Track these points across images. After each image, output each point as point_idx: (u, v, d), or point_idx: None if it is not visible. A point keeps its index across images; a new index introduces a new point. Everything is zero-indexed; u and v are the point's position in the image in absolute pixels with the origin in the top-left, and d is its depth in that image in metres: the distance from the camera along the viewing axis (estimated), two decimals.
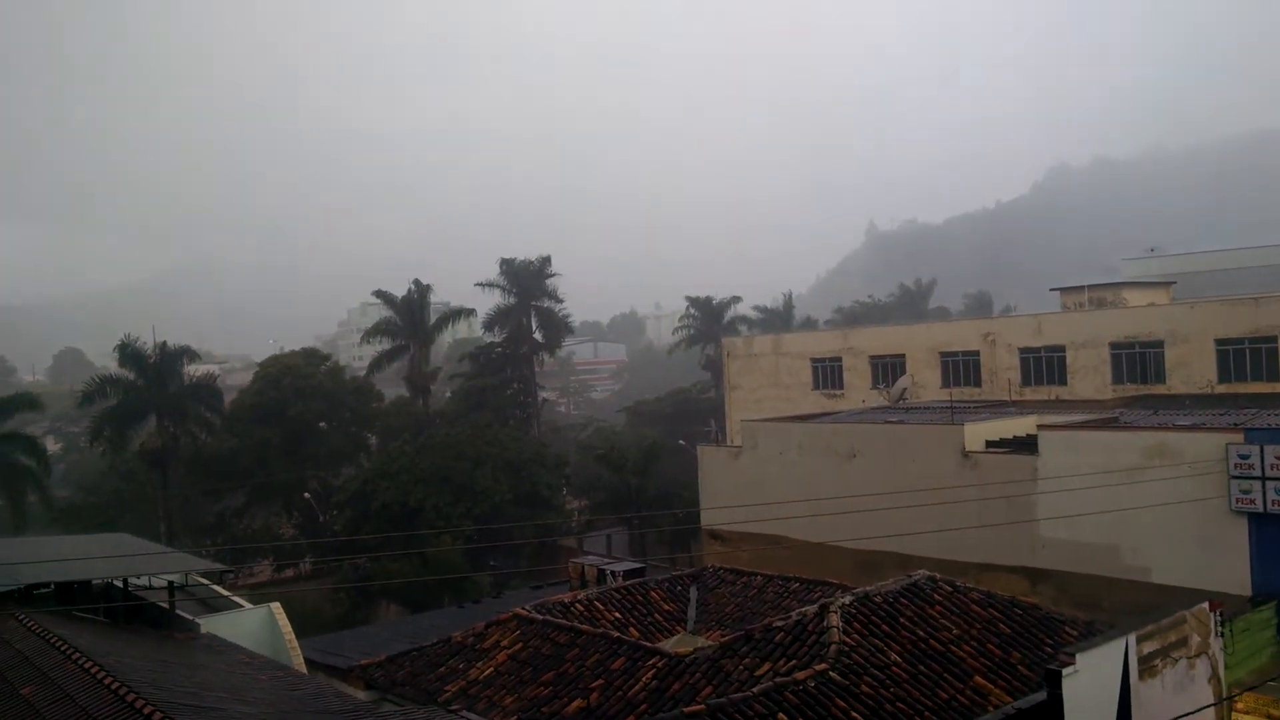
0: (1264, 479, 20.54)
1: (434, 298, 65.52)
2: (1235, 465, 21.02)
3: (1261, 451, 20.62)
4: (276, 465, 51.78)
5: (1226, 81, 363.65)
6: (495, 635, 18.66)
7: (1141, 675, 14.95)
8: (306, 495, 51.45)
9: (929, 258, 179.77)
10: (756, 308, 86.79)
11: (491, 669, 17.56)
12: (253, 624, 18.62)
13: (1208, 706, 15.95)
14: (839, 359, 46.23)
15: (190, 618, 18.42)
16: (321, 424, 55.42)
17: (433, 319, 63.42)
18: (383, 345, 62.59)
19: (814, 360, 47.43)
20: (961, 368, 41.33)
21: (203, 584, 21.12)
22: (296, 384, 52.93)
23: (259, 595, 25.30)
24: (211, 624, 18.12)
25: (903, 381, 40.26)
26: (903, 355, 43.46)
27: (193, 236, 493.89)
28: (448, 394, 69.32)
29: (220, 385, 61.26)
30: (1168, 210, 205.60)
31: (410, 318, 60.55)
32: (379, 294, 62.64)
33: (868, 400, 41.74)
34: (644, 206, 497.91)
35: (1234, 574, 20.91)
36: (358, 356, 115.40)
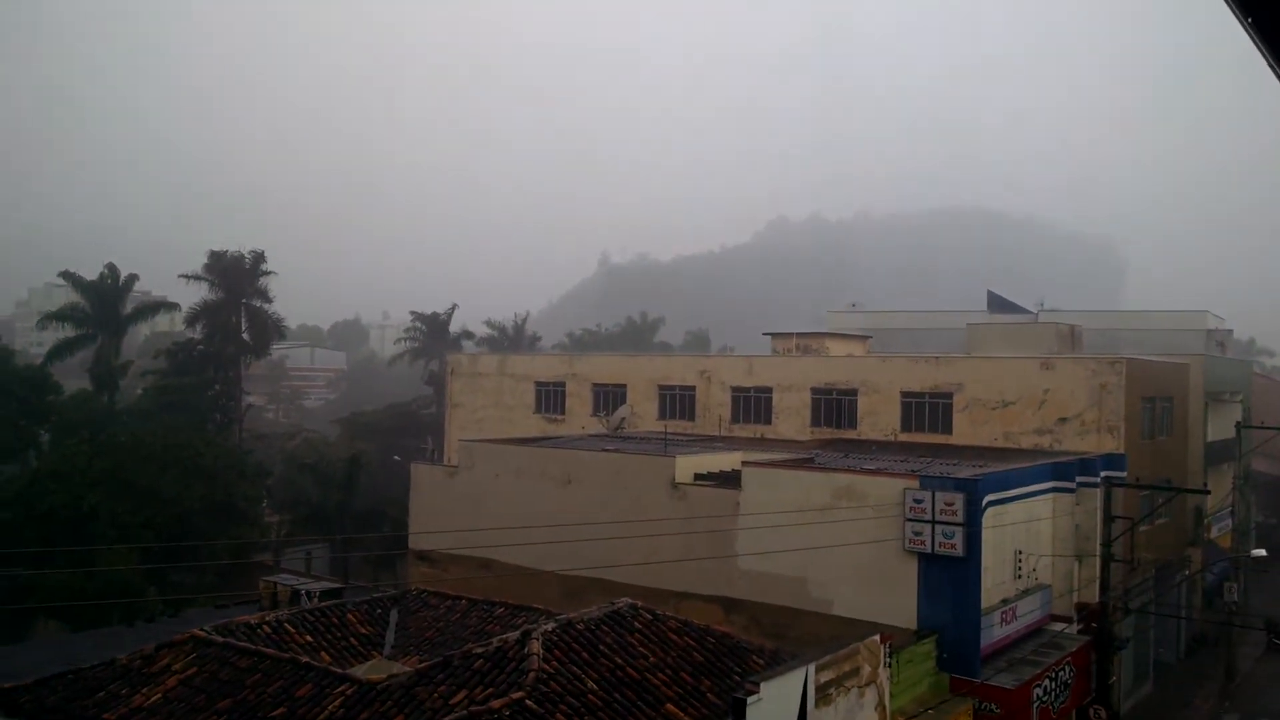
0: (934, 522, 22.54)
1: (138, 287, 60.21)
2: (910, 509, 22.94)
3: (933, 497, 22.64)
4: None
5: (936, 159, 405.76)
6: (166, 658, 17.05)
7: (818, 703, 15.86)
8: None
9: (657, 293, 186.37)
10: (488, 323, 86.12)
11: (160, 695, 16.01)
12: None
13: None
14: (563, 384, 46.58)
15: None
16: None
17: (130, 309, 58.17)
18: (66, 333, 56.61)
19: (538, 383, 47.53)
20: (678, 401, 42.77)
21: None
22: None
23: None
24: None
25: (622, 411, 41.10)
26: (624, 385, 44.41)
27: None
28: (139, 391, 63.59)
29: None
30: (869, 269, 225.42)
31: (101, 304, 55.14)
32: (66, 275, 56.64)
33: (588, 426, 42.26)
34: (379, 212, 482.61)
35: (903, 609, 22.75)
36: (36, 343, 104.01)
